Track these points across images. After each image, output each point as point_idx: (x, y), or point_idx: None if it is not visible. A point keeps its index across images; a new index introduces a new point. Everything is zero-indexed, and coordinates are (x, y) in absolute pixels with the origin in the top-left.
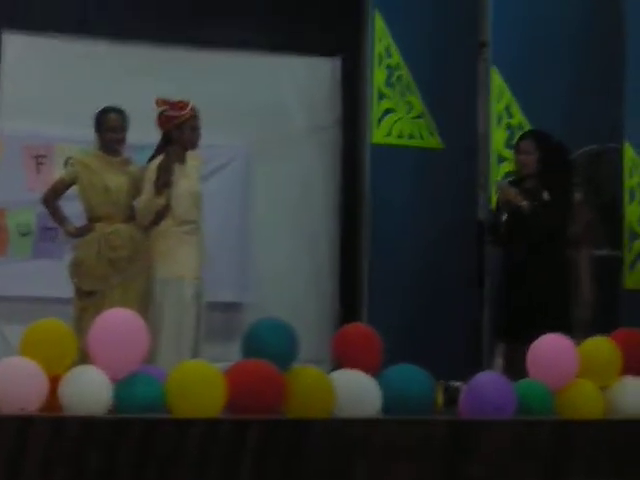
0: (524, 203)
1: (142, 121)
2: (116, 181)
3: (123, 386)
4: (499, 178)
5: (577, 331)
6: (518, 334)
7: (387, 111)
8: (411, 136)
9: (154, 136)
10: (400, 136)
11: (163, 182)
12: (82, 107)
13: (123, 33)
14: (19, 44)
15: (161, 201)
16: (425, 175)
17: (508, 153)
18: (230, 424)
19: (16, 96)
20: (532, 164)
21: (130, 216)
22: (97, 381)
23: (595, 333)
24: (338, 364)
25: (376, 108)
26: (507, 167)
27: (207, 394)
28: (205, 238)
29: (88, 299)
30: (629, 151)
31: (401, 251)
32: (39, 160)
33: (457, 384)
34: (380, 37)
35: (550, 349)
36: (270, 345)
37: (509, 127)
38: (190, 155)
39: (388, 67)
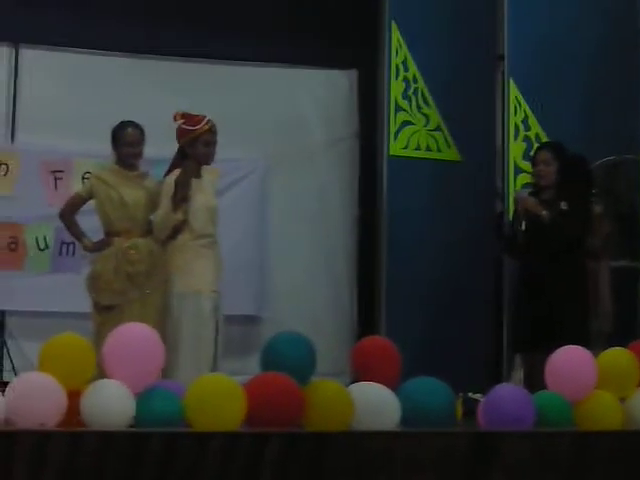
0: (544, 213)
1: (159, 135)
2: (133, 195)
3: (142, 400)
4: (518, 189)
5: (596, 342)
6: (537, 345)
7: (404, 123)
8: (428, 148)
9: (170, 150)
10: (417, 148)
11: (181, 197)
12: (99, 122)
13: (141, 47)
14: (36, 59)
15: (178, 216)
16: (442, 187)
17: (526, 165)
18: (250, 437)
19: (33, 111)
20: (550, 175)
21: (147, 230)
22: (120, 395)
23: (614, 344)
24: (357, 377)
25: (393, 121)
26: (524, 179)
27: (226, 408)
28: (223, 251)
29: (106, 313)
30: None
31: (419, 263)
32: (57, 175)
33: (476, 396)
34: (397, 50)
35: (569, 361)
36: (289, 358)
37: (526, 139)
38: (206, 169)
39: (405, 80)
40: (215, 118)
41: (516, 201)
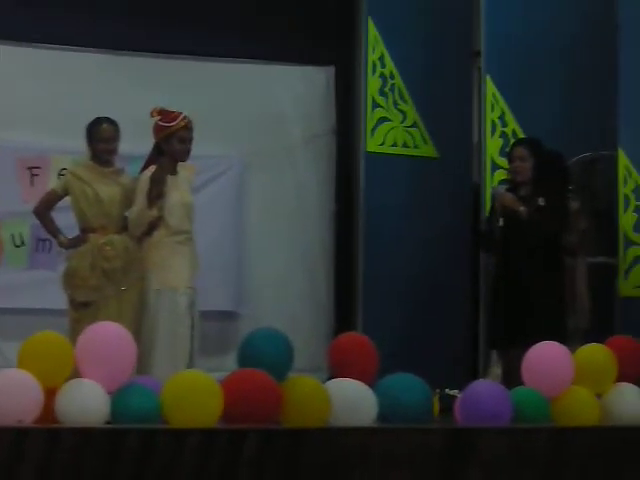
0: (522, 209)
1: (136, 132)
2: (108, 192)
3: (119, 397)
4: (495, 185)
5: (573, 338)
6: (514, 341)
7: (381, 120)
8: (405, 145)
9: (147, 147)
10: (394, 145)
11: (155, 194)
12: (76, 118)
13: (117, 44)
14: (12, 55)
15: (153, 213)
16: (419, 184)
17: (502, 161)
18: (227, 434)
19: (10, 108)
20: (526, 171)
21: (123, 227)
22: (94, 393)
23: (590, 340)
24: (334, 373)
25: (370, 117)
26: (501, 175)
27: (203, 404)
28: (200, 248)
29: (82, 310)
30: (623, 158)
31: (396, 259)
32: (33, 171)
33: (453, 392)
34: (374, 46)
35: (545, 357)
36: (266, 355)
37: (503, 135)
38: (182, 166)
39: (382, 76)
40: (192, 115)
41: (493, 197)
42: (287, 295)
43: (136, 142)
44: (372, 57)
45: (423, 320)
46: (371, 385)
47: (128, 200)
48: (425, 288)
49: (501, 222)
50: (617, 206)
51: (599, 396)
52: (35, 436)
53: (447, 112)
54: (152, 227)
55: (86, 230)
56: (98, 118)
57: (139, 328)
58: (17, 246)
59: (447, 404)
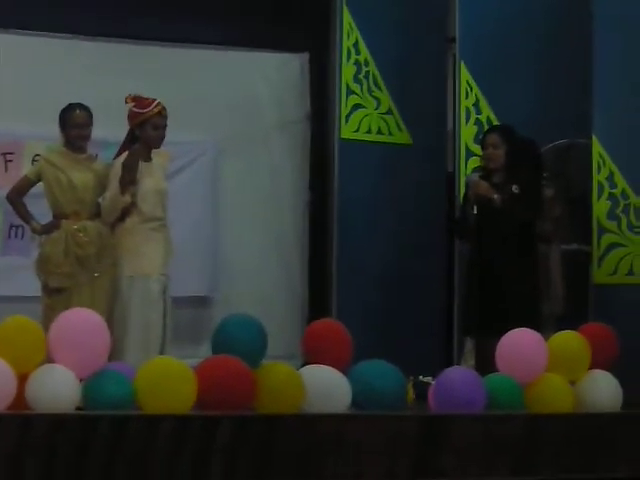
0: (496, 196)
1: (110, 118)
2: (82, 178)
3: (92, 383)
4: (468, 173)
5: (547, 325)
6: (488, 328)
7: (355, 107)
8: (379, 132)
9: (121, 133)
10: (368, 132)
11: (127, 180)
12: (50, 104)
13: (92, 30)
14: None
15: (126, 199)
16: (394, 170)
17: (477, 149)
18: (200, 420)
19: None
20: (499, 158)
21: (96, 213)
22: (64, 379)
23: (564, 327)
24: (308, 360)
25: (344, 104)
26: (476, 162)
27: (177, 390)
28: (174, 234)
29: (56, 296)
30: (597, 146)
31: (370, 246)
32: (7, 157)
33: (427, 379)
34: (348, 33)
35: (519, 343)
36: (240, 341)
37: (478, 122)
38: (156, 152)
39: (356, 63)
40: (166, 101)
41: (467, 185)
42: (261, 281)
43: (110, 128)
44: (347, 43)
45: (397, 307)
46: (345, 372)
47: (101, 186)
48: (399, 275)
49: (475, 210)
50: (591, 193)
51: (573, 383)
52: (7, 423)
53: (422, 99)
54: (125, 213)
55: (59, 216)
56: (71, 104)
57: (112, 315)
58: None
59: (421, 391)
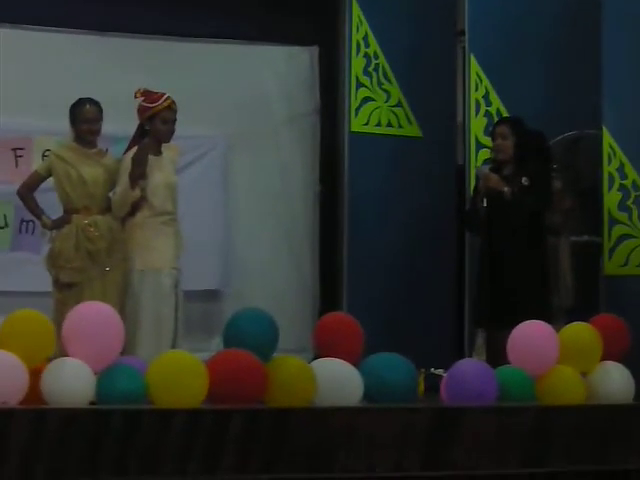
0: (506, 189)
1: (120, 113)
2: (92, 173)
3: (104, 378)
4: (478, 165)
5: (557, 318)
6: (499, 320)
7: (365, 100)
8: (389, 125)
9: (131, 128)
10: (378, 125)
11: (137, 174)
12: (60, 99)
13: (102, 25)
14: None
15: (136, 193)
16: (404, 163)
17: (487, 141)
18: (212, 414)
19: None
20: (508, 149)
21: (107, 208)
22: (80, 373)
23: (575, 319)
24: (319, 353)
25: (354, 97)
26: (486, 154)
27: (188, 384)
28: (185, 228)
29: (67, 291)
30: (607, 137)
31: (380, 239)
32: (17, 152)
33: (438, 371)
34: (357, 26)
35: (531, 336)
36: (251, 335)
37: (487, 115)
38: (166, 146)
39: (366, 56)
40: (176, 95)
41: (477, 177)
42: (272, 275)
43: (120, 123)
44: (356, 37)
45: (409, 299)
46: (356, 365)
47: (111, 181)
48: (410, 267)
49: (484, 203)
50: (602, 184)
51: (584, 375)
52: (20, 417)
53: (431, 91)
54: (135, 208)
55: (70, 211)
56: (81, 99)
57: (123, 309)
58: (1, 227)
59: (433, 383)
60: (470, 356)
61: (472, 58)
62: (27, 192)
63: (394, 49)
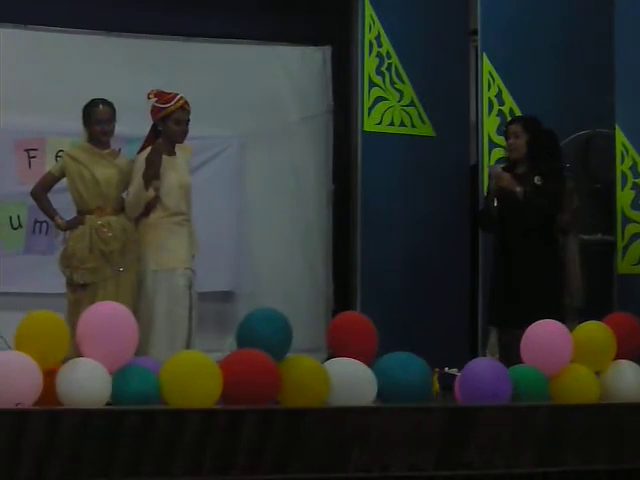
0: (518, 189)
1: (134, 113)
2: (105, 173)
3: (118, 378)
4: (492, 164)
5: (571, 317)
6: (512, 319)
7: (378, 99)
8: (402, 124)
9: (145, 128)
10: (391, 124)
11: (151, 175)
12: (73, 100)
13: (115, 26)
14: (8, 38)
15: (149, 193)
16: (416, 163)
17: (500, 140)
18: (226, 414)
19: (7, 90)
20: (521, 147)
21: (120, 208)
22: (96, 374)
23: (589, 318)
24: (333, 353)
25: (367, 96)
26: (499, 153)
27: (202, 385)
28: (198, 228)
29: (81, 292)
30: (620, 136)
31: (394, 238)
32: (30, 153)
33: (452, 371)
34: (370, 26)
35: (544, 335)
36: (264, 335)
37: (500, 114)
38: (180, 147)
39: (378, 55)
40: (189, 96)
41: (490, 176)
42: (286, 275)
43: (134, 124)
44: (369, 36)
45: (422, 299)
46: (370, 365)
47: (125, 182)
48: (423, 266)
49: (495, 202)
50: (615, 183)
51: (598, 374)
52: (34, 419)
53: (444, 91)
54: (149, 208)
55: (83, 212)
56: (94, 100)
57: (137, 309)
58: (14, 228)
59: (447, 383)
60: (484, 355)
61: (484, 57)
62: (41, 193)
63: (407, 49)
